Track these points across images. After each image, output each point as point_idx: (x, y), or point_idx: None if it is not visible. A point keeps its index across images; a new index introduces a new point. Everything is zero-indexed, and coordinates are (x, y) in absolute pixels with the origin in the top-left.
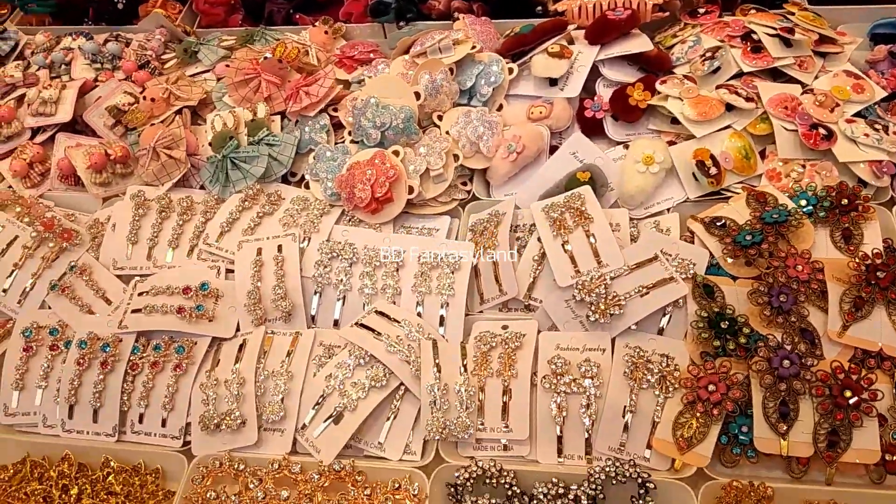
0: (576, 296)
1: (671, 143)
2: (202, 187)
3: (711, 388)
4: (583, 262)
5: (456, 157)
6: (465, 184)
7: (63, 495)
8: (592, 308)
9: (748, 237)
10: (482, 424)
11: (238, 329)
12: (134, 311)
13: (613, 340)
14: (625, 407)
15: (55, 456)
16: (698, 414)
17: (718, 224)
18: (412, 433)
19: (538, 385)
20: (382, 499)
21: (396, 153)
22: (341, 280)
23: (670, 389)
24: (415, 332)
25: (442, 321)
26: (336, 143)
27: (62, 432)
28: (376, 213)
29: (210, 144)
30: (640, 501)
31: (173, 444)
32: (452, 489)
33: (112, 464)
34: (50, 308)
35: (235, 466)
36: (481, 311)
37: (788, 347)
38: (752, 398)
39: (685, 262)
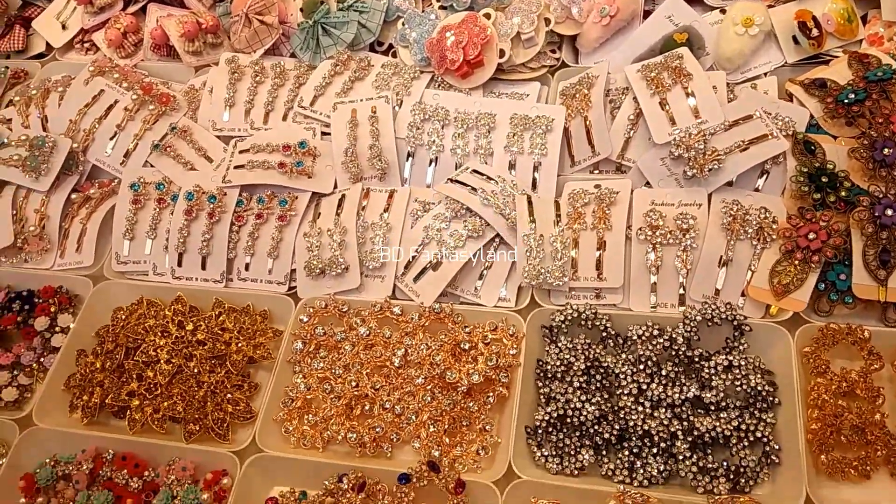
0: (673, 152)
1: (770, 6)
2: (292, 55)
3: (812, 235)
4: (681, 120)
5: (547, 20)
6: (553, 51)
7: (179, 330)
8: (690, 163)
9: (851, 95)
10: (576, 274)
11: (336, 186)
12: (236, 167)
13: (710, 196)
14: (720, 257)
15: (167, 299)
16: (796, 262)
17: (819, 85)
18: (507, 283)
19: (633, 237)
20: (481, 336)
21: (487, 16)
22: (433, 141)
23: (768, 240)
24: (509, 188)
25: (535, 183)
26: (423, 11)
27: (172, 279)
28: (467, 77)
29: (301, 10)
30: (735, 343)
31: (279, 290)
32: (547, 330)
33: (224, 305)
34: (153, 167)
35: (340, 308)
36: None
37: (892, 197)
38: (851, 249)
39: (785, 121)
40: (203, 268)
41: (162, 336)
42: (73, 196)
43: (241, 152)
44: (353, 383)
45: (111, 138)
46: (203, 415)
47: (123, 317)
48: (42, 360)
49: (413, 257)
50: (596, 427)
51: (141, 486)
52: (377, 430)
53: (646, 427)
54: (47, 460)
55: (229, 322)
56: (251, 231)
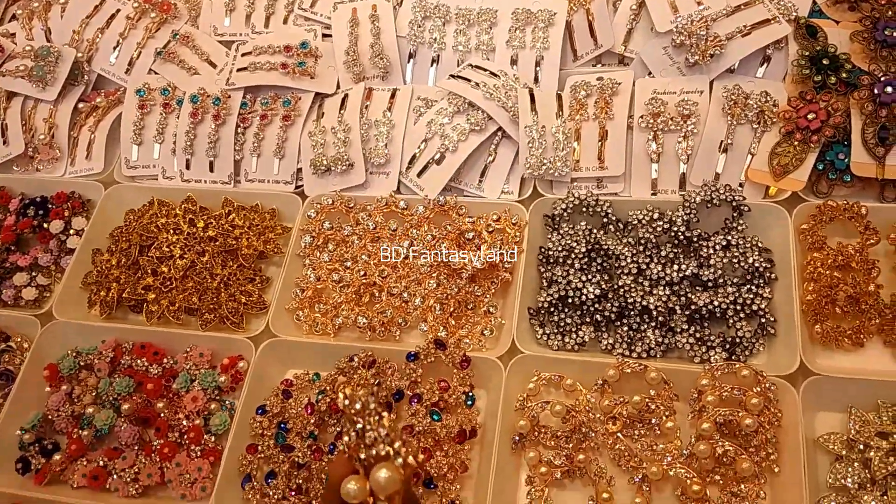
0: (675, 40)
1: None
2: None
3: (811, 116)
4: (683, 7)
5: None
6: None
7: (190, 227)
8: (692, 50)
9: None
10: (578, 165)
11: (338, 86)
12: (239, 70)
13: (711, 84)
14: (721, 142)
15: (177, 200)
16: (796, 142)
17: None
18: (509, 176)
19: (634, 125)
20: (485, 225)
21: None
22: (435, 38)
23: (768, 123)
24: (511, 82)
25: (536, 78)
26: None
27: (181, 182)
28: None
29: None
30: (734, 224)
31: (286, 188)
32: (549, 219)
33: (233, 203)
34: (157, 74)
35: (346, 204)
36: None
37: (892, 75)
38: (850, 129)
39: (787, 5)
40: (211, 170)
41: (174, 233)
42: (81, 105)
43: (243, 55)
44: (361, 272)
45: (115, 48)
46: (217, 305)
47: (136, 218)
48: (59, 261)
49: (417, 153)
50: (596, 305)
51: (160, 373)
52: (385, 314)
53: (644, 303)
54: (69, 352)
55: (239, 220)
56: (256, 132)
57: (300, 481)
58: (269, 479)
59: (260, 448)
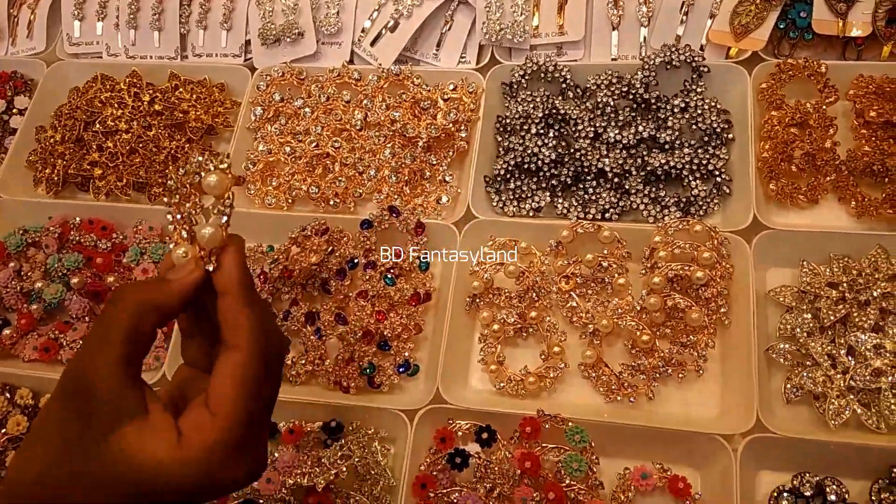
0: None
1: None
2: None
3: None
4: None
5: None
6: None
7: (135, 101)
8: None
9: None
10: (537, 30)
11: None
12: None
13: None
14: (682, 4)
15: (123, 76)
16: (757, 1)
17: None
18: (466, 44)
19: None
20: (440, 94)
21: None
22: None
23: None
24: None
25: None
26: None
27: (126, 58)
28: None
29: None
30: (693, 86)
31: (235, 62)
32: (507, 87)
33: (180, 77)
34: None
35: (297, 76)
36: None
37: None
38: None
39: None
40: (156, 44)
41: (119, 108)
42: None
43: None
44: (314, 144)
45: None
46: (166, 179)
47: (79, 94)
48: (2, 141)
49: (370, 20)
50: (552, 171)
51: (110, 248)
52: (339, 184)
53: (600, 166)
54: (15, 230)
55: (186, 93)
56: (202, 2)
57: None
58: None
59: None
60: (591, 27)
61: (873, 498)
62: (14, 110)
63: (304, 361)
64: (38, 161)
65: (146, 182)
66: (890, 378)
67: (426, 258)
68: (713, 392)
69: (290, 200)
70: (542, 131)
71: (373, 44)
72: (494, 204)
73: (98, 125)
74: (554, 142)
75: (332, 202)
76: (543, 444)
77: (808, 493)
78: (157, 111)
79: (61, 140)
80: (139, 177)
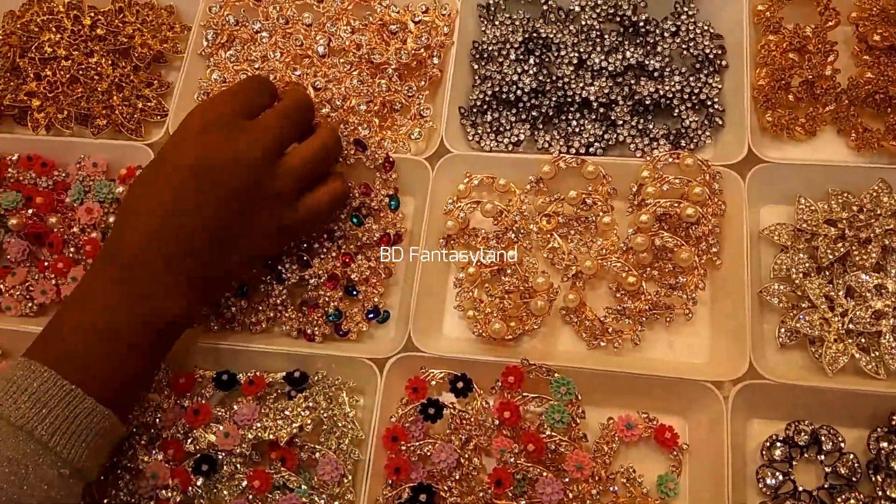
0: None
1: None
2: None
3: None
4: None
5: None
6: None
7: (75, 25)
8: None
9: None
10: None
11: None
12: None
13: None
14: None
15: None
16: None
17: None
18: None
19: None
20: (411, 16)
21: None
22: None
23: None
24: None
25: None
26: None
27: None
28: None
29: None
30: (685, 8)
31: None
32: (483, 9)
33: None
34: None
35: None
36: None
37: None
38: None
39: None
40: None
41: (57, 32)
42: None
43: None
44: (271, 74)
45: None
46: (110, 110)
47: (12, 18)
48: None
49: None
50: (533, 101)
51: (51, 186)
52: None
53: (584, 95)
54: None
55: (131, 16)
56: None
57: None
58: None
59: None
60: None
61: (871, 446)
62: None
63: (263, 307)
64: None
65: (89, 114)
66: (891, 321)
67: (396, 196)
68: (703, 337)
69: None
70: (521, 57)
71: None
72: (470, 138)
73: (34, 51)
74: (534, 69)
75: None
76: (525, 394)
77: (802, 443)
78: (99, 36)
79: None
80: (81, 108)
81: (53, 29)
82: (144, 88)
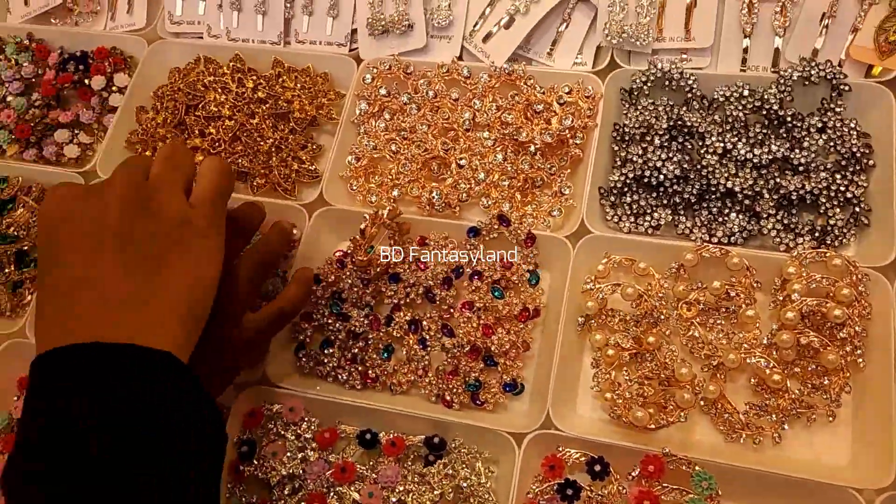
0: None
1: None
2: None
3: None
4: None
5: None
6: None
7: (239, 87)
8: None
9: None
10: (661, 34)
11: None
12: None
13: None
14: (822, 14)
15: (224, 59)
16: None
17: None
18: (583, 45)
19: None
20: (556, 97)
21: None
22: None
23: None
24: None
25: None
26: None
27: (227, 40)
28: None
29: None
30: (832, 105)
31: (340, 51)
32: (626, 93)
33: (284, 64)
34: None
35: (404, 69)
36: None
37: None
38: None
39: None
40: (259, 28)
41: (222, 93)
42: None
43: None
44: (421, 146)
45: None
46: (268, 170)
47: (180, 76)
48: (101, 119)
49: (483, 15)
50: (675, 187)
51: None
52: (459, 187)
53: (729, 185)
54: None
55: (290, 82)
56: None
57: (356, 351)
58: (324, 347)
59: (314, 316)
60: (720, 33)
61: None
62: (114, 88)
63: (405, 370)
64: (139, 143)
65: (249, 172)
66: None
67: (537, 272)
68: (845, 440)
69: (392, 199)
70: (665, 144)
71: (485, 40)
72: (609, 218)
73: (200, 110)
74: (678, 155)
75: (437, 206)
76: (664, 485)
77: None
78: (260, 99)
79: (163, 123)
80: (241, 166)
81: (219, 90)
82: (299, 150)
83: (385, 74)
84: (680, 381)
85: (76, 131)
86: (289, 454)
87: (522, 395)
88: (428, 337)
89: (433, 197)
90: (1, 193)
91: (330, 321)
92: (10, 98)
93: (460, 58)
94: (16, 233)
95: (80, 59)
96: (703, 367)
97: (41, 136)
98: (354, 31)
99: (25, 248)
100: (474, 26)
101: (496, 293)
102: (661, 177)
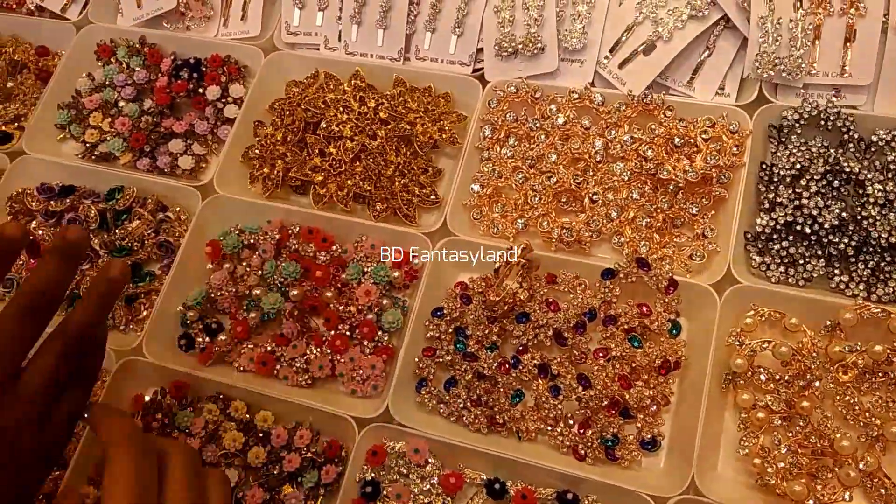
0: None
1: None
2: None
3: None
4: None
5: None
6: None
7: (361, 106)
8: None
9: None
10: (814, 68)
11: None
12: None
13: None
14: None
15: (343, 73)
16: None
17: None
18: (727, 75)
19: (890, 28)
20: (699, 131)
21: None
22: None
23: None
24: None
25: None
26: None
27: (345, 54)
28: None
29: None
30: None
31: (463, 70)
32: (775, 130)
33: (405, 83)
34: None
35: (532, 94)
36: None
37: None
38: None
39: None
40: (379, 43)
41: (343, 112)
42: None
43: None
44: (550, 177)
45: None
46: (390, 195)
47: (299, 90)
48: (216, 130)
49: (620, 39)
50: (830, 237)
51: (329, 260)
52: (593, 224)
53: (892, 240)
54: (231, 228)
55: (413, 102)
56: (433, 3)
57: (480, 392)
58: (448, 385)
59: (437, 352)
60: (879, 71)
61: None
62: (229, 98)
63: (535, 417)
64: (257, 159)
65: (370, 196)
66: None
67: (679, 322)
68: None
69: (517, 232)
70: (822, 190)
71: (621, 66)
72: (756, 266)
73: (322, 129)
74: (836, 204)
75: (566, 243)
76: None
77: None
78: (382, 119)
79: (283, 140)
80: (363, 190)
81: (341, 108)
82: (421, 175)
83: (511, 98)
84: (840, 453)
85: (190, 141)
86: (413, 498)
87: (658, 449)
88: (562, 386)
89: (564, 234)
90: (116, 203)
91: (455, 359)
92: (122, 103)
93: (593, 84)
94: (130, 244)
95: (193, 67)
96: (859, 436)
97: (155, 144)
98: (479, 51)
99: (140, 260)
100: (610, 51)
101: (635, 343)
102: (816, 226)
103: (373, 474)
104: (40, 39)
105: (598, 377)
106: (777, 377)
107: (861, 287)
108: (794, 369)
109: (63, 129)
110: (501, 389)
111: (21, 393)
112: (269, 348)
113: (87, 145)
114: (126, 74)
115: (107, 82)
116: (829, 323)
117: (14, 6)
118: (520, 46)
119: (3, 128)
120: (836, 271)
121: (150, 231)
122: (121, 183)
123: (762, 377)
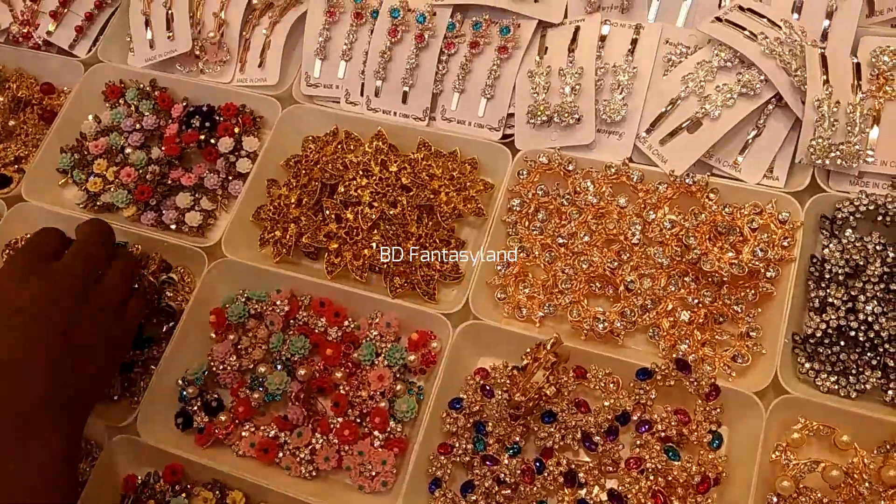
0: None
1: None
2: None
3: None
4: None
5: None
6: None
7: (382, 170)
8: None
9: None
10: (871, 155)
11: (566, 15)
12: None
13: None
14: None
15: (363, 132)
16: None
17: None
18: (776, 157)
19: None
20: (747, 220)
21: None
22: None
23: None
24: (797, 37)
25: (825, 34)
26: None
27: (367, 110)
28: None
29: None
30: None
31: (491, 136)
32: (827, 221)
33: (430, 147)
34: None
35: (565, 166)
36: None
37: None
38: None
39: None
40: (403, 101)
41: (363, 176)
42: (254, 0)
43: None
44: (583, 258)
45: None
46: (410, 268)
47: (316, 148)
48: (226, 184)
49: (663, 113)
50: (887, 345)
51: (340, 336)
52: (627, 314)
53: None
54: (238, 295)
55: (437, 168)
56: (463, 62)
57: (501, 501)
58: (466, 490)
59: (454, 449)
60: None
61: None
62: (242, 152)
63: None
64: (269, 220)
65: (388, 270)
66: None
67: (720, 433)
68: None
69: (542, 316)
70: (879, 294)
71: (663, 142)
72: (803, 371)
73: (339, 193)
74: (894, 310)
75: (597, 333)
76: None
77: None
78: (403, 186)
79: (297, 203)
80: (377, 261)
81: (360, 172)
82: (443, 246)
83: (543, 169)
84: None
85: (198, 195)
86: None
87: None
88: (590, 501)
89: (596, 325)
90: None
91: (474, 461)
92: (128, 150)
93: (631, 159)
94: None
95: (205, 115)
96: None
97: (161, 197)
98: (510, 116)
99: (140, 324)
100: (651, 125)
101: (672, 455)
102: (872, 333)
103: None
104: (46, 76)
105: (631, 491)
106: (825, 500)
107: None
108: (845, 494)
109: (65, 175)
110: (524, 500)
111: (102, 291)
112: (271, 433)
113: (90, 194)
114: (135, 119)
115: (114, 125)
116: (885, 444)
117: (20, 39)
118: (554, 115)
119: (3, 170)
120: (893, 384)
121: (153, 296)
122: (124, 238)
123: (810, 501)
